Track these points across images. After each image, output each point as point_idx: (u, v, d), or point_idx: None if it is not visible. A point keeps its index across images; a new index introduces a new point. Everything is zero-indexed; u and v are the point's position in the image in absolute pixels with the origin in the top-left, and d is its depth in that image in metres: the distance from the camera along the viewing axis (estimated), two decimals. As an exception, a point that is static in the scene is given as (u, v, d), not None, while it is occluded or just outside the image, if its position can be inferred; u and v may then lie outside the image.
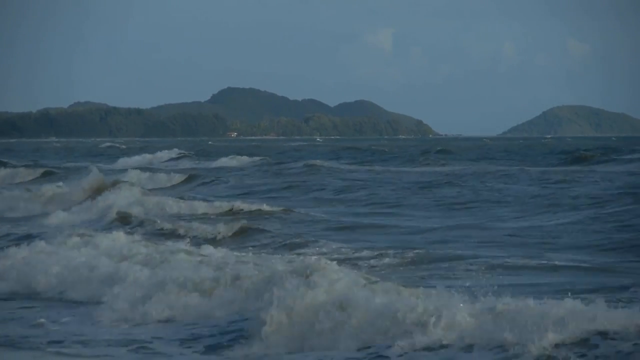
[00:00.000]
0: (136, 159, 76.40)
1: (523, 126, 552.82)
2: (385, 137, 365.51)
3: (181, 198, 32.59)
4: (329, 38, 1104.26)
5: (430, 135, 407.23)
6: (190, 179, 47.12)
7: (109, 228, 24.50)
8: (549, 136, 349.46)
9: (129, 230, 24.13)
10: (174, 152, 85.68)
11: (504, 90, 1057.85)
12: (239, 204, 29.63)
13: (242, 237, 22.86)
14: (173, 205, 30.74)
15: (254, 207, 29.20)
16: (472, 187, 38.61)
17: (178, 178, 47.00)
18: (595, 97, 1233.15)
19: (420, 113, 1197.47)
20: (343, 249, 19.67)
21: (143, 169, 52.74)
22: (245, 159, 69.81)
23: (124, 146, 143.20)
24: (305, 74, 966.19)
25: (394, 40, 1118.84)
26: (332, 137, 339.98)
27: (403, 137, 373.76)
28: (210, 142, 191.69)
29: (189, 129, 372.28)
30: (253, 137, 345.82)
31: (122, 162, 72.75)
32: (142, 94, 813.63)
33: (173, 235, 23.33)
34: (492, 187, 38.24)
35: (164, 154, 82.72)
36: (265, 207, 29.09)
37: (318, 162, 63.13)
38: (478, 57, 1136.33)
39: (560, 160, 68.39)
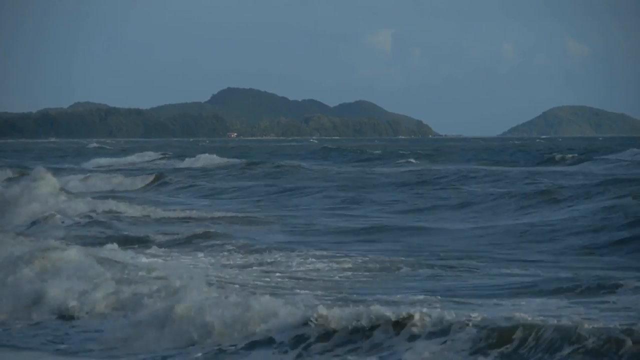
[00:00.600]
0: (112, 160, 76.12)
1: (523, 127, 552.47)
2: (385, 137, 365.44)
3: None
4: (328, 38, 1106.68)
5: (430, 136, 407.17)
6: (156, 179, 46.74)
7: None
8: (544, 136, 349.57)
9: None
10: (155, 154, 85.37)
11: (504, 91, 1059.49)
12: (195, 212, 29.17)
13: (198, 242, 21.78)
14: (127, 209, 30.26)
15: (214, 213, 28.69)
16: (437, 188, 38.56)
17: (143, 180, 46.57)
18: (595, 97, 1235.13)
19: (420, 113, 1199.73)
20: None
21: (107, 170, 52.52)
22: (217, 160, 68.52)
23: (110, 147, 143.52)
24: (305, 74, 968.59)
25: (394, 41, 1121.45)
26: (332, 138, 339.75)
27: (403, 137, 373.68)
28: (202, 143, 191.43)
29: (188, 130, 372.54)
30: (252, 138, 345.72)
31: (95, 162, 72.44)
32: (142, 94, 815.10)
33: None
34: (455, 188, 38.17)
35: (144, 155, 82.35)
36: (225, 213, 28.74)
37: (292, 162, 62.68)
38: (478, 57, 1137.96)
39: (541, 161, 68.33)
